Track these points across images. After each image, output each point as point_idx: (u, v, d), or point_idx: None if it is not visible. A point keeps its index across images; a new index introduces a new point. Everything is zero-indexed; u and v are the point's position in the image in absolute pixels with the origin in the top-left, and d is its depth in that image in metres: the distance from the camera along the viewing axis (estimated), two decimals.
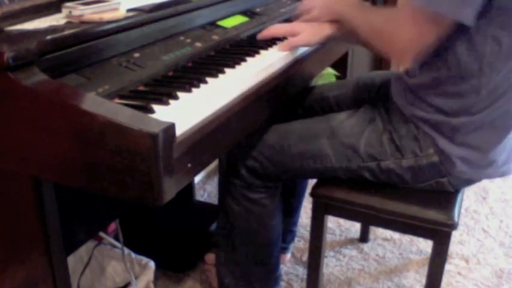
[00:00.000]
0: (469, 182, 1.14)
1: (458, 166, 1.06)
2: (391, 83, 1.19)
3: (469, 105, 1.01)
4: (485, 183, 2.17)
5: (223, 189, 1.26)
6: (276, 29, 1.18)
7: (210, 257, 1.58)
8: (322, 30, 1.16)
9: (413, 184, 1.13)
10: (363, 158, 1.12)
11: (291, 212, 1.59)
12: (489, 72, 0.97)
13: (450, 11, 0.89)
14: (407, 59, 1.01)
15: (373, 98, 1.30)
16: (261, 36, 1.18)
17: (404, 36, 0.95)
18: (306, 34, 1.13)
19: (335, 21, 1.16)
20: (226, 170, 1.24)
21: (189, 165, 0.75)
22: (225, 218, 1.27)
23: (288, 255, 1.71)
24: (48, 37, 0.77)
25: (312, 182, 1.26)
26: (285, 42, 1.12)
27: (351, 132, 1.14)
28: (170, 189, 0.70)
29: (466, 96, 1.01)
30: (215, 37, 1.14)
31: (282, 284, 1.58)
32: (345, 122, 1.17)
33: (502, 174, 1.13)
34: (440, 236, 1.12)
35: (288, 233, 1.64)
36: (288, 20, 1.34)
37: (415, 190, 1.15)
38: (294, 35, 1.13)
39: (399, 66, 1.01)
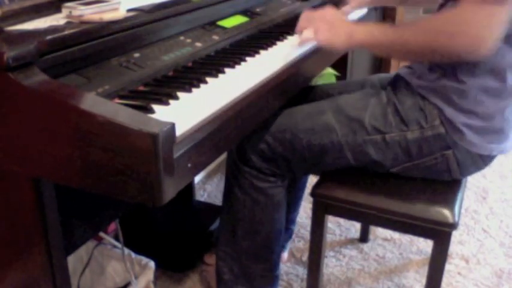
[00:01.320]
0: (477, 162, 1.13)
1: (467, 135, 1.07)
2: (399, 70, 1.21)
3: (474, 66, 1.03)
4: (485, 183, 2.17)
5: (230, 178, 1.26)
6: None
7: (210, 257, 1.58)
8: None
9: (419, 159, 1.13)
10: (368, 131, 1.13)
11: (289, 208, 1.59)
12: None
13: None
14: (487, 45, 0.95)
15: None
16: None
17: (476, 24, 0.93)
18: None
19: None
20: (235, 157, 1.24)
21: (189, 165, 0.75)
22: (229, 209, 1.27)
23: (285, 254, 1.71)
24: (48, 37, 0.77)
25: (312, 182, 1.26)
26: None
27: (355, 106, 1.17)
28: (170, 189, 0.70)
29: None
30: (215, 37, 1.14)
31: (282, 284, 1.59)
32: (350, 97, 1.21)
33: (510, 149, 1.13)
34: (440, 236, 1.12)
35: (286, 230, 1.63)
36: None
37: (416, 189, 1.15)
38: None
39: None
